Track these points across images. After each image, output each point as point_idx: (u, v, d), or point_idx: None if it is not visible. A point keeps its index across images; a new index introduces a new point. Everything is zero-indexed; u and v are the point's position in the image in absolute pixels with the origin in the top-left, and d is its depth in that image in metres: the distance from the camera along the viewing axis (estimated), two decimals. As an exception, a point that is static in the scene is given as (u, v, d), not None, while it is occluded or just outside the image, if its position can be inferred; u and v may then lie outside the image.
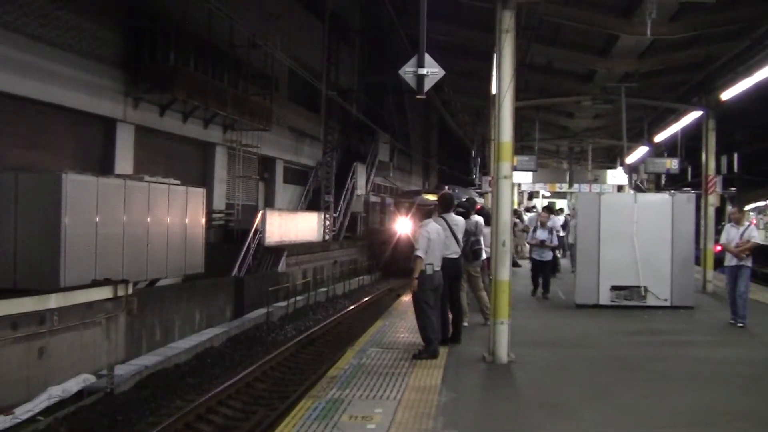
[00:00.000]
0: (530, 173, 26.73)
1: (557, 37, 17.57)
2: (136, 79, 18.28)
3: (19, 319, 9.77)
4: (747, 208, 33.81)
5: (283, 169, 28.72)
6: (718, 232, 15.58)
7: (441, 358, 9.18)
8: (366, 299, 23.84)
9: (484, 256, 11.68)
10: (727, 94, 16.13)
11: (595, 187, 30.70)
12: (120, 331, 12.04)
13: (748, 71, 14.45)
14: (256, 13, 23.55)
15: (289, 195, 29.80)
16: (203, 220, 18.51)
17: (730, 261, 12.20)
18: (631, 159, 25.96)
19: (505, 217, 9.11)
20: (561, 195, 42.66)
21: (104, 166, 17.43)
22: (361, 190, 33.80)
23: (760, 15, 13.71)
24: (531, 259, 15.96)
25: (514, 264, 18.23)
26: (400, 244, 28.07)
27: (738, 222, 12.30)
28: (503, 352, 9.04)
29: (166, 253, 16.43)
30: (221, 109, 21.10)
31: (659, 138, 24.41)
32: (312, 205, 30.31)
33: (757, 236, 12.17)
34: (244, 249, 21.35)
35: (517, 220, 21.62)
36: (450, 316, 10.18)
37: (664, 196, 14.71)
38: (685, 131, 22.55)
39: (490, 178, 19.43)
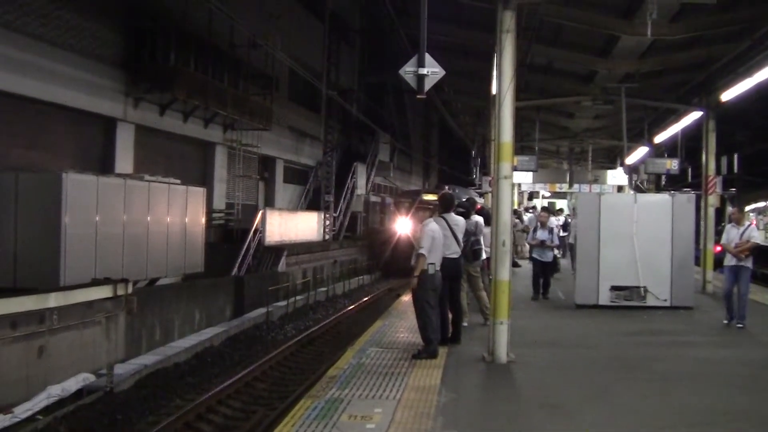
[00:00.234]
0: (530, 173, 26.74)
1: (558, 38, 17.57)
2: (137, 78, 18.28)
3: (18, 318, 9.76)
4: (747, 209, 33.81)
5: (283, 168, 28.72)
6: (718, 232, 15.61)
7: (440, 358, 9.18)
8: (366, 299, 23.84)
9: (484, 256, 11.69)
10: (727, 95, 16.13)
11: (596, 188, 30.72)
12: (120, 331, 12.03)
13: (749, 72, 14.45)
14: (256, 13, 23.55)
15: (289, 194, 29.80)
16: (203, 220, 18.50)
17: (729, 261, 12.19)
18: (631, 159, 25.96)
19: (505, 218, 9.12)
20: (561, 195, 42.70)
21: (104, 166, 17.43)
22: (361, 190, 33.80)
23: (761, 16, 13.71)
24: (531, 259, 15.95)
25: (514, 264, 18.23)
26: (400, 244, 28.07)
27: (738, 222, 12.29)
28: (503, 352, 9.05)
29: (166, 253, 16.43)
30: (221, 108, 21.10)
31: (659, 138, 24.41)
32: (312, 205, 30.31)
33: (757, 236, 12.15)
34: (244, 248, 21.35)
35: (517, 221, 21.63)
36: (450, 316, 10.18)
37: (664, 197, 14.72)
38: (686, 132, 22.56)
39: (490, 179, 19.45)
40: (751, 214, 32.68)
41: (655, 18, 13.08)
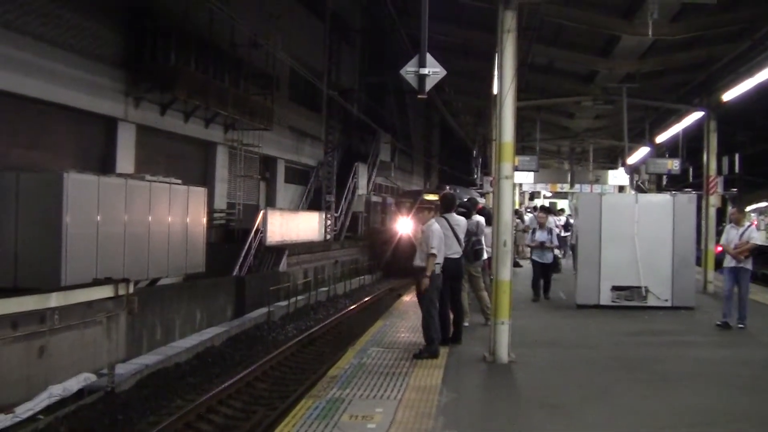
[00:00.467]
0: (531, 173, 26.75)
1: (558, 38, 17.56)
2: (137, 78, 18.28)
3: (19, 318, 9.76)
4: (748, 209, 33.76)
5: (284, 168, 28.72)
6: (719, 232, 15.57)
7: (441, 358, 9.19)
8: (367, 299, 23.84)
9: (485, 256, 11.69)
10: (728, 95, 16.13)
11: (597, 188, 30.74)
12: (121, 330, 12.03)
13: (750, 72, 14.44)
14: (257, 12, 23.54)
15: (290, 194, 29.81)
16: (204, 220, 18.49)
17: (729, 262, 12.12)
18: (632, 160, 25.95)
19: (506, 218, 9.12)
20: (562, 195, 42.67)
21: (105, 166, 17.43)
22: (362, 190, 33.80)
23: (762, 16, 13.71)
24: (531, 260, 15.92)
25: (515, 264, 18.22)
26: (402, 244, 28.07)
27: (738, 223, 12.22)
28: (504, 352, 9.05)
29: (167, 253, 16.43)
30: (222, 108, 21.10)
31: (660, 139, 24.40)
32: (313, 205, 30.31)
33: (757, 237, 12.07)
34: (245, 248, 21.35)
35: (518, 221, 21.63)
36: (451, 316, 10.19)
37: (665, 197, 14.73)
38: (687, 132, 22.57)
39: (491, 179, 19.46)
40: (752, 215, 32.63)
41: (656, 18, 13.09)
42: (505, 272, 9.06)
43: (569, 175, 32.76)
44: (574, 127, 28.78)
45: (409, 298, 15.13)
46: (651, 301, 13.75)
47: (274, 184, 27.98)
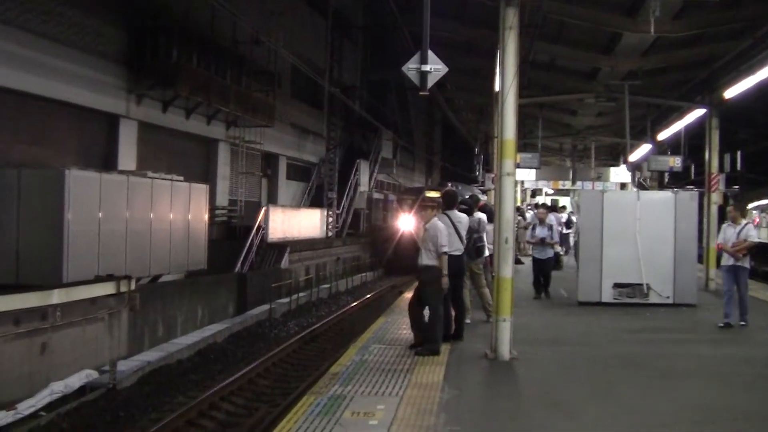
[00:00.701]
0: (533, 171, 26.72)
1: (561, 35, 17.55)
2: (139, 75, 18.30)
3: (21, 314, 9.78)
4: (750, 206, 33.70)
5: (286, 165, 28.74)
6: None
7: (443, 355, 9.19)
8: (368, 296, 23.85)
9: (486, 253, 11.69)
10: (730, 93, 16.10)
11: (598, 185, 30.71)
12: (122, 327, 12.05)
13: (752, 70, 14.41)
14: (258, 9, 23.53)
15: (292, 191, 29.82)
16: (206, 217, 18.50)
17: (727, 261, 12.07)
18: (634, 157, 25.93)
19: (508, 215, 9.12)
20: (564, 193, 42.63)
21: (107, 163, 17.46)
22: (364, 187, 33.82)
23: (764, 14, 13.68)
24: (532, 257, 15.90)
25: (517, 261, 18.21)
26: (403, 241, 28.11)
27: (735, 221, 12.16)
28: (505, 350, 9.04)
29: (169, 250, 16.44)
30: (224, 105, 21.11)
31: (662, 136, 24.36)
32: (315, 202, 30.34)
33: (755, 235, 11.96)
34: (247, 245, 21.37)
35: (520, 218, 21.62)
36: (452, 312, 10.20)
37: (667, 194, 14.71)
38: (689, 129, 22.53)
39: (493, 176, 19.43)
40: (754, 212, 32.59)
41: (658, 15, 13.07)
42: (507, 269, 9.06)
43: (571, 173, 32.75)
44: (576, 124, 28.76)
45: (411, 295, 15.12)
46: (653, 299, 13.73)
47: (275, 181, 27.99)
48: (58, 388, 10.30)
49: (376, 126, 34.24)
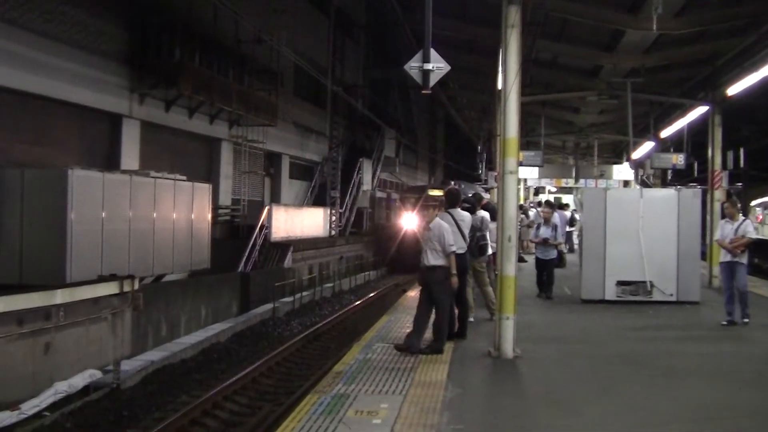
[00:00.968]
0: (536, 169, 26.78)
1: (563, 33, 17.54)
2: (142, 74, 18.27)
3: (24, 314, 9.79)
4: (753, 203, 33.71)
5: (288, 164, 28.72)
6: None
7: (446, 354, 9.20)
8: (372, 295, 23.83)
9: (489, 251, 11.69)
10: (733, 90, 16.09)
11: (601, 183, 30.67)
12: (126, 327, 12.07)
13: (755, 66, 14.40)
14: (261, 8, 23.52)
15: (294, 190, 29.82)
16: (209, 216, 18.48)
17: (724, 257, 12.03)
18: (637, 154, 25.94)
19: (511, 213, 9.12)
20: (567, 190, 42.63)
21: (110, 162, 17.45)
22: (367, 186, 33.79)
23: (766, 10, 13.66)
24: (535, 256, 15.88)
25: (520, 259, 18.19)
26: (406, 240, 28.11)
27: (732, 217, 12.11)
28: (509, 348, 9.04)
29: (172, 249, 16.43)
30: (227, 104, 21.10)
31: (665, 133, 24.37)
32: (318, 201, 30.32)
33: (752, 231, 11.92)
34: (250, 244, 21.37)
35: (523, 216, 21.60)
36: (456, 311, 10.20)
37: (670, 192, 14.71)
38: (691, 127, 22.50)
39: (495, 174, 19.43)
40: (757, 209, 32.57)
41: (661, 12, 13.05)
42: (510, 267, 9.06)
43: (574, 170, 32.72)
44: (578, 122, 28.75)
45: (415, 293, 15.12)
46: (656, 296, 13.74)
47: (278, 180, 27.98)
48: (61, 387, 10.32)
49: (379, 124, 34.23)
